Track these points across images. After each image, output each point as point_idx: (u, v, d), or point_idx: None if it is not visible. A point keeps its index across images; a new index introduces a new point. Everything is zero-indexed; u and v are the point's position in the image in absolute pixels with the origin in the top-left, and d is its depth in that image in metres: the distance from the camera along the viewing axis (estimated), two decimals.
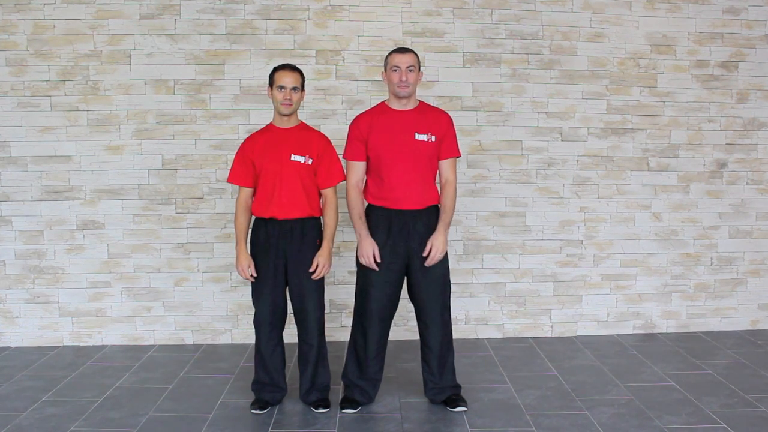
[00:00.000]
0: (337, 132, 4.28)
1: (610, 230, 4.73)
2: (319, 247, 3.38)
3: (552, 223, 4.69)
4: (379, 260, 3.33)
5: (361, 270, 3.43)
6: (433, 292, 3.39)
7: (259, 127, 3.70)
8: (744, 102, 4.76)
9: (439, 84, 4.56)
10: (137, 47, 4.43)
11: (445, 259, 3.41)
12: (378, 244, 3.34)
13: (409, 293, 3.46)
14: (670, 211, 4.76)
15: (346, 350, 3.59)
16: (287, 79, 3.31)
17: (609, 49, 4.63)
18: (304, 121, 3.51)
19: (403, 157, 3.31)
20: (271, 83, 3.36)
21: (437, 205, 3.43)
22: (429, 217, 3.37)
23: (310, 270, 3.33)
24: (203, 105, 4.48)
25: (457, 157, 3.46)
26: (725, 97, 4.75)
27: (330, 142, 3.45)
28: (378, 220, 3.36)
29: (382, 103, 3.46)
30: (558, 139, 4.66)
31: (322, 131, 3.68)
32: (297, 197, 3.32)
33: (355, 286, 3.48)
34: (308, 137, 3.40)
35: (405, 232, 3.34)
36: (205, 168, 4.50)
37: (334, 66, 4.52)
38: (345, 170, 3.44)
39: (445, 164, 3.43)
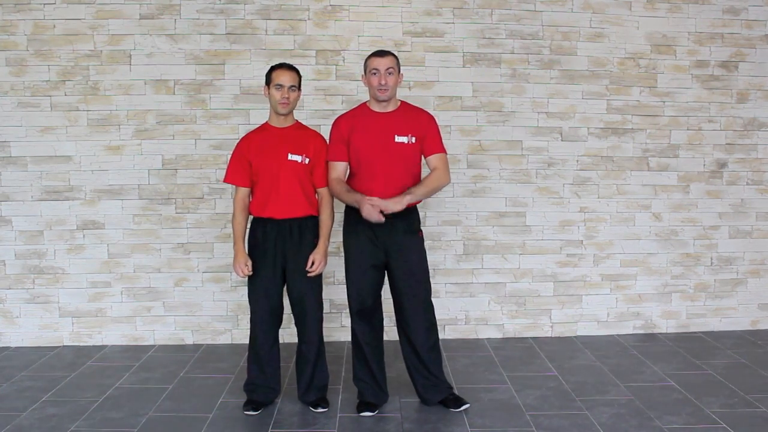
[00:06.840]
0: None
1: (610, 230, 4.73)
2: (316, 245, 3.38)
3: (552, 223, 4.69)
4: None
5: (346, 267, 3.42)
6: (412, 290, 3.36)
7: None
8: (744, 102, 4.76)
9: (439, 84, 4.56)
10: (137, 47, 4.43)
11: (422, 259, 3.39)
12: (356, 241, 3.34)
13: (391, 295, 3.44)
14: (670, 211, 4.76)
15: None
16: (285, 78, 3.31)
17: (609, 49, 4.63)
18: (299, 121, 3.51)
19: (382, 160, 3.29)
20: (268, 82, 3.36)
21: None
22: (409, 218, 3.35)
23: (307, 267, 3.34)
24: (203, 105, 4.48)
25: (443, 153, 3.37)
26: (725, 97, 4.75)
27: (325, 141, 3.45)
28: (357, 219, 3.32)
29: (364, 104, 3.45)
30: (558, 139, 4.65)
31: (322, 131, 3.67)
32: (295, 196, 3.33)
33: None
34: (304, 136, 3.41)
35: (380, 232, 3.30)
36: (205, 168, 4.50)
37: (334, 66, 4.52)
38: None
39: (432, 159, 3.37)
